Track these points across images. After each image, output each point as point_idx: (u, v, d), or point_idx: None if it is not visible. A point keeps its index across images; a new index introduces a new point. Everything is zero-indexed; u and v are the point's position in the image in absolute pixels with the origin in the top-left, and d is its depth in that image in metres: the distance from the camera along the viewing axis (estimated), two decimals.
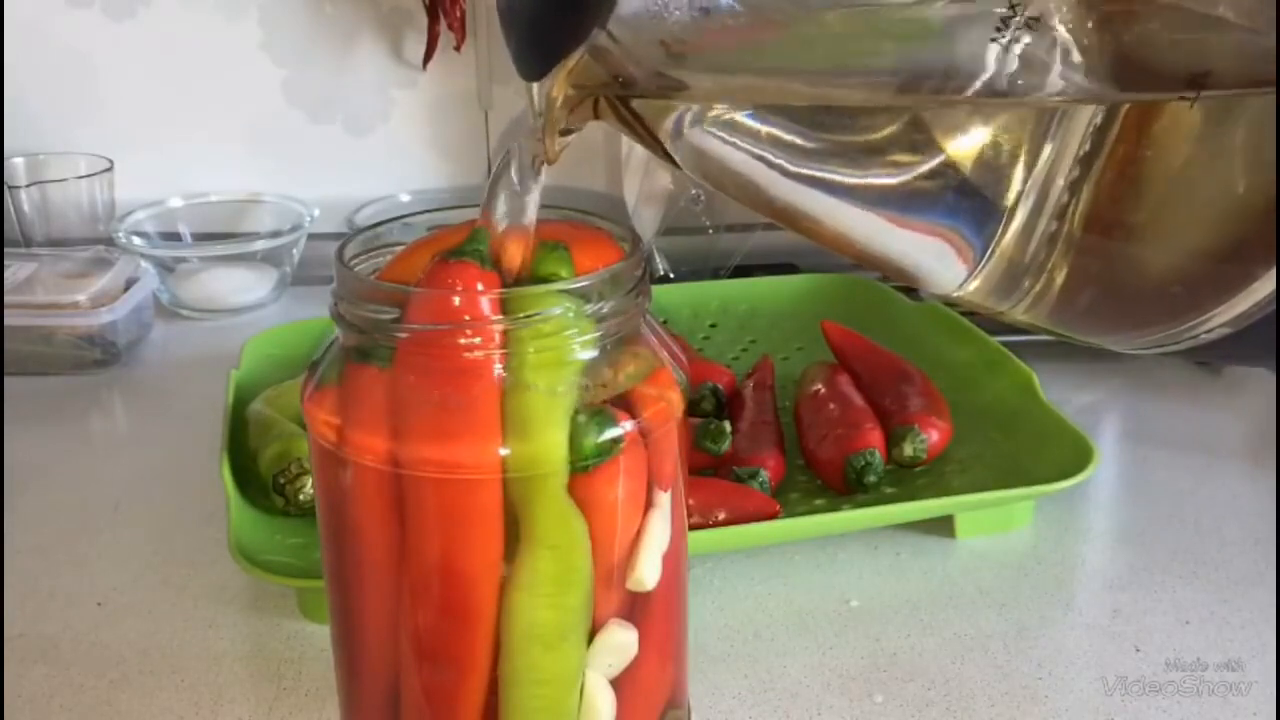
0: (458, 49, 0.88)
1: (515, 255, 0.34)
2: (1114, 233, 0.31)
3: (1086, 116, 0.29)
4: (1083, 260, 0.32)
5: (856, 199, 0.32)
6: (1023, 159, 0.30)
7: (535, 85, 0.33)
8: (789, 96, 0.31)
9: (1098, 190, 0.30)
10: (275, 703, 0.46)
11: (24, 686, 0.47)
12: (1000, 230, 0.31)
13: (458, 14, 0.85)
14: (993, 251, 0.32)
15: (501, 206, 0.34)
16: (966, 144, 0.31)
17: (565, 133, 0.34)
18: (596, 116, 0.33)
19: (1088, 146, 0.30)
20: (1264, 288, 0.30)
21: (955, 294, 0.34)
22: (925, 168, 0.31)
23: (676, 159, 0.34)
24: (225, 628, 0.50)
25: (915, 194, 0.31)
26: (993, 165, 0.31)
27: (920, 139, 0.31)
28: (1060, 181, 0.30)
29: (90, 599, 0.52)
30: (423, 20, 0.86)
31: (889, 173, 0.32)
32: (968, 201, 0.31)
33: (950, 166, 0.31)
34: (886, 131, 0.31)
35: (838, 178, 0.32)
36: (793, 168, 0.32)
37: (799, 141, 0.31)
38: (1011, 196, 0.31)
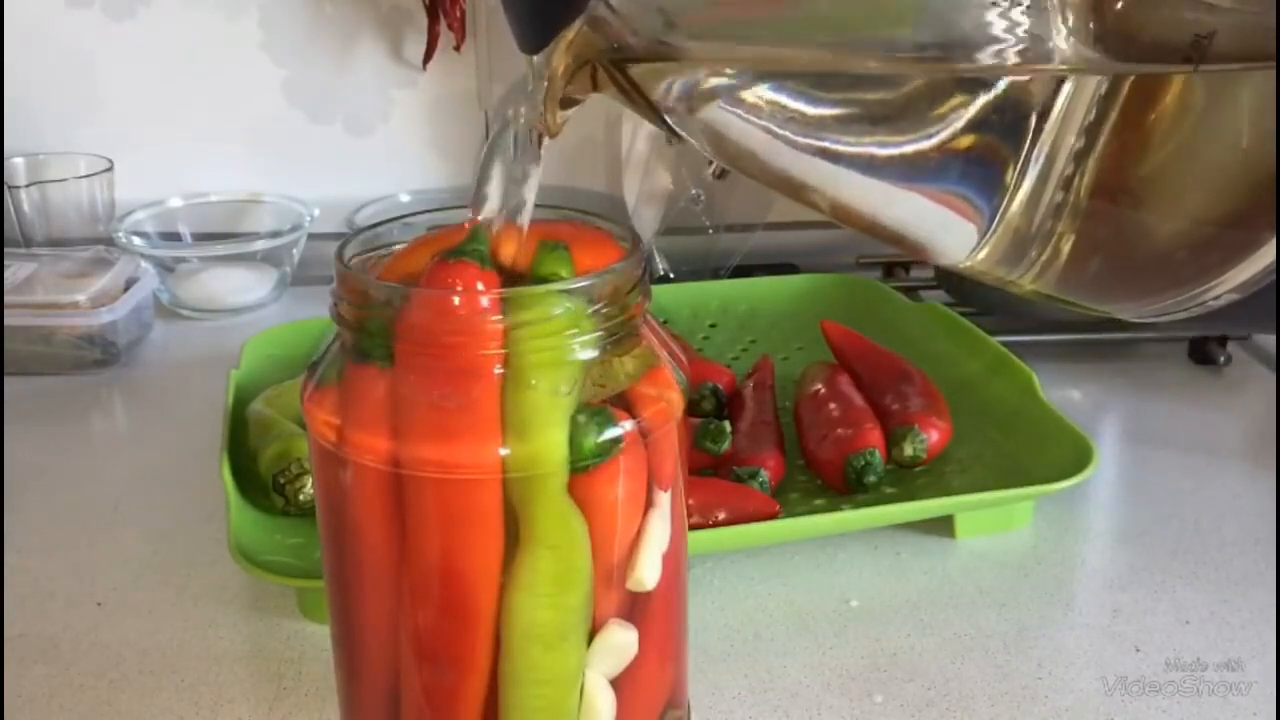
0: (458, 49, 0.88)
1: (513, 239, 0.34)
2: (1120, 201, 0.31)
3: (1091, 86, 0.29)
4: (1089, 228, 0.32)
5: (863, 167, 0.32)
6: (1028, 128, 0.30)
7: (535, 57, 0.33)
8: (791, 64, 0.31)
9: (1103, 159, 0.30)
10: (275, 703, 0.46)
11: (24, 686, 0.47)
12: (1007, 199, 0.31)
13: (458, 14, 0.86)
14: (1000, 220, 0.32)
15: (498, 181, 0.34)
16: (972, 113, 0.30)
17: (566, 104, 0.33)
18: (595, 87, 0.33)
19: (1093, 116, 0.30)
20: (1270, 254, 0.30)
21: (964, 263, 0.34)
22: (931, 135, 0.31)
23: (677, 129, 0.33)
24: (225, 628, 0.50)
25: (921, 161, 0.31)
26: (998, 134, 0.31)
27: (926, 107, 0.31)
28: (1066, 151, 0.30)
29: (90, 599, 0.52)
30: (423, 20, 0.86)
31: (894, 140, 0.31)
32: (975, 169, 0.31)
33: (957, 134, 0.31)
34: (891, 100, 0.31)
35: (843, 146, 0.31)
36: (797, 137, 0.31)
37: (803, 109, 0.31)
38: (1017, 165, 0.31)
